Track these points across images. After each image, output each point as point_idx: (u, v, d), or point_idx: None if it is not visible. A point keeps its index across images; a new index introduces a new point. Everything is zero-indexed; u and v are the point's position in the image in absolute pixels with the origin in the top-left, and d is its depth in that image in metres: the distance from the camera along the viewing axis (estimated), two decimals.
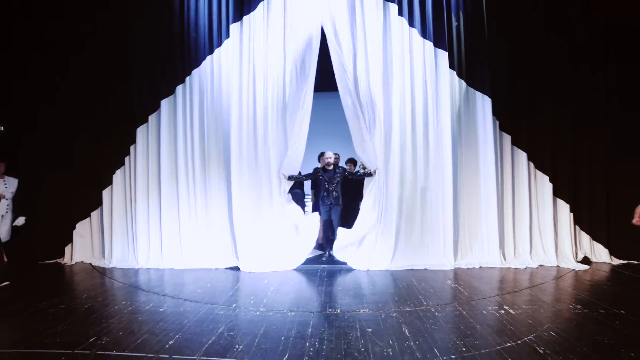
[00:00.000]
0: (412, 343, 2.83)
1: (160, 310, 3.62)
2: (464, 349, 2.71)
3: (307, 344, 2.83)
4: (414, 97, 5.32)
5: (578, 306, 3.57)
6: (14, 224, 4.82)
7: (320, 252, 5.85)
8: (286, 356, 2.64)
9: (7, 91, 5.54)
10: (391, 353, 2.68)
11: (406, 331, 3.05)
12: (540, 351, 2.66)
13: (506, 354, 2.62)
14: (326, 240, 5.76)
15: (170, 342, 2.88)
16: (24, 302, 3.78)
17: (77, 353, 2.71)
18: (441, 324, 3.19)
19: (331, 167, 5.58)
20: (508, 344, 2.79)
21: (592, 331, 3.00)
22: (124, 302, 3.86)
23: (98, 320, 3.34)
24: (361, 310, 3.53)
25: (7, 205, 4.72)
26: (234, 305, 3.73)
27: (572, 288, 4.20)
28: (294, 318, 3.35)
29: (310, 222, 5.38)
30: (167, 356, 2.66)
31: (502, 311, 3.48)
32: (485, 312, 3.45)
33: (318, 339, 2.90)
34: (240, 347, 2.80)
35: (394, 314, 3.44)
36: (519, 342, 2.82)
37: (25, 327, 3.19)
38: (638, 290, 4.09)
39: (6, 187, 4.75)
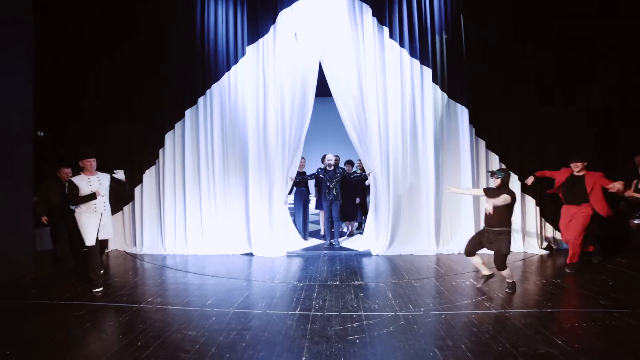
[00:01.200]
0: (392, 302, 3.79)
1: (195, 282, 4.58)
2: (431, 305, 3.67)
3: (314, 302, 3.79)
4: (404, 108, 6.25)
5: (528, 280, 4.53)
6: (114, 175, 4.56)
7: (322, 242, 6.81)
8: (298, 309, 3.60)
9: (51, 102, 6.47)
10: (376, 307, 3.64)
11: (389, 294, 4.02)
12: (487, 305, 3.62)
13: (463, 308, 3.58)
14: (328, 230, 6.72)
15: (209, 302, 3.85)
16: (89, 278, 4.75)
17: (142, 306, 3.68)
18: (417, 290, 4.15)
19: (332, 168, 6.55)
20: (465, 301, 3.75)
21: (529, 293, 3.96)
22: (163, 277, 4.83)
23: (149, 289, 4.31)
24: (355, 282, 4.50)
25: (104, 202, 4.44)
26: (253, 279, 4.69)
27: (529, 267, 5.15)
28: (302, 287, 4.31)
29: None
30: (210, 309, 3.63)
31: (468, 282, 4.44)
32: (454, 283, 4.42)
33: (322, 299, 3.87)
34: (263, 304, 3.76)
35: (381, 284, 4.41)
36: (474, 300, 3.78)
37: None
38: (581, 268, 5.02)
39: (100, 184, 4.39)
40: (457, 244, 6.18)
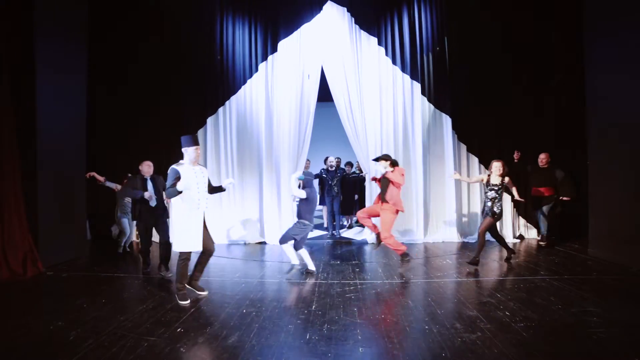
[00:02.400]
0: (382, 274, 4.90)
1: (222, 263, 5.68)
2: (411, 277, 4.77)
3: (319, 275, 4.89)
4: (396, 116, 7.34)
5: (494, 260, 5.62)
6: (224, 185, 4.31)
7: (325, 232, 7.91)
8: (307, 279, 4.70)
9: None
10: (368, 278, 4.75)
11: (379, 270, 5.12)
12: (460, 279, 4.72)
13: (435, 278, 4.68)
14: (330, 223, 7.82)
15: (238, 274, 4.95)
16: (136, 263, 5.84)
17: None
18: (416, 270, 5.24)
19: (333, 169, 7.65)
20: (438, 274, 4.85)
21: (491, 268, 5.05)
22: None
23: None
24: (352, 262, 5.60)
25: (207, 199, 4.02)
26: (267, 261, 5.80)
27: (499, 252, 6.23)
28: (302, 268, 5.40)
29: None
30: (239, 279, 4.73)
31: (444, 262, 5.53)
32: (432, 262, 5.51)
33: (326, 273, 4.97)
34: (279, 276, 4.87)
35: (374, 263, 5.52)
36: (445, 273, 4.88)
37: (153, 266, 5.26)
38: (540, 251, 6.08)
39: (203, 177, 4.02)
40: (441, 234, 7.27)
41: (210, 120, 7.51)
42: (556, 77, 7.05)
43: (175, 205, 3.97)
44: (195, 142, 3.96)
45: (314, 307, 3.73)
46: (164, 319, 3.45)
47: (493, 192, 5.13)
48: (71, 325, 3.29)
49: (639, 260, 4.74)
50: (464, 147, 7.38)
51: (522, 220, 7.42)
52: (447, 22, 7.34)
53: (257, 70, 7.47)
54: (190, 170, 3.90)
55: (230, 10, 7.52)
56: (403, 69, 7.38)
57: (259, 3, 7.51)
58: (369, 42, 7.39)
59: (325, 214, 8.25)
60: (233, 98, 7.48)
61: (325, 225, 8.28)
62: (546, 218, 6.56)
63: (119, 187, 6.20)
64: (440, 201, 7.38)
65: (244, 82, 7.49)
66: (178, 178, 3.79)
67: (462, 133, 7.32)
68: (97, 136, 7.24)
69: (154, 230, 5.25)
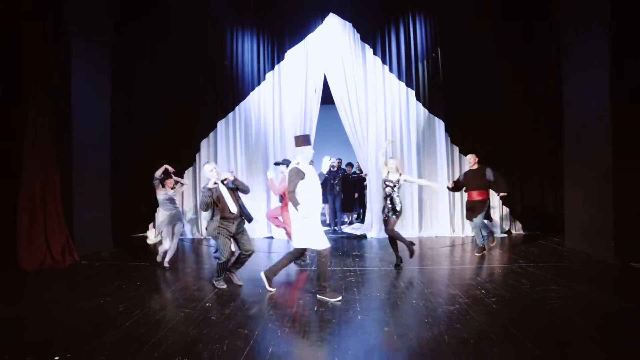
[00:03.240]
0: (378, 263, 5.58)
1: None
2: (407, 265, 5.44)
3: None
4: (393, 120, 8.01)
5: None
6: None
7: (328, 228, 8.59)
8: (313, 267, 5.38)
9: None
10: (367, 265, 5.42)
11: (377, 259, 5.81)
12: (447, 267, 5.39)
13: (425, 266, 5.35)
14: (332, 219, 8.50)
15: (251, 263, 5.62)
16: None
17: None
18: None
19: (335, 169, 8.32)
20: (428, 263, 5.52)
21: (476, 259, 5.73)
22: (212, 248, 6.61)
23: (208, 255, 6.09)
24: (352, 253, 6.28)
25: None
26: (274, 252, 6.47)
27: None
28: (314, 257, 6.07)
29: None
30: (252, 267, 5.40)
31: (435, 253, 6.21)
32: (423, 253, 6.19)
33: (329, 262, 5.63)
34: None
35: (372, 254, 6.20)
36: (434, 262, 5.55)
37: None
38: (524, 244, 6.73)
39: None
40: (434, 229, 7.95)
41: (220, 125, 8.18)
42: (537, 87, 7.69)
43: (298, 209, 3.88)
44: (310, 142, 4.09)
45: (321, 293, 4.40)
46: (193, 297, 4.12)
47: (389, 188, 5.19)
48: (117, 301, 3.96)
49: (602, 249, 5.39)
50: (456, 148, 8.03)
51: (510, 215, 8.09)
52: (439, 32, 8.01)
53: (264, 78, 8.14)
54: (310, 169, 4.00)
55: (240, 22, 8.19)
56: (399, 77, 8.05)
57: (266, 16, 8.18)
58: (369, 51, 8.07)
59: (327, 211, 8.92)
60: (242, 103, 8.15)
61: (327, 221, 8.95)
62: (481, 229, 5.98)
63: (186, 182, 6.49)
64: (434, 199, 8.04)
65: (252, 89, 8.16)
66: (302, 178, 3.87)
67: (454, 135, 7.98)
68: (118, 136, 7.88)
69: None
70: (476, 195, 6.00)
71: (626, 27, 5.13)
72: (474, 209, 5.99)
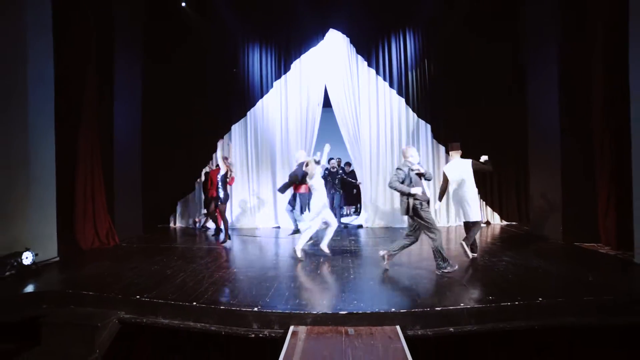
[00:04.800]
0: (370, 244, 6.77)
1: (251, 239, 7.55)
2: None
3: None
4: (385, 123, 9.19)
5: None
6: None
7: None
8: (317, 248, 6.58)
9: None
10: (360, 247, 6.61)
11: (369, 241, 7.00)
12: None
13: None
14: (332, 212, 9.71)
15: (259, 246, 6.83)
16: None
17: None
18: (387, 241, 7.09)
19: (335, 170, 9.51)
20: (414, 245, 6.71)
21: (452, 244, 6.91)
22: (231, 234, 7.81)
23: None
24: (349, 238, 7.47)
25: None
26: (283, 238, 7.66)
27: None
28: (317, 242, 7.27)
29: None
30: (261, 249, 6.60)
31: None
32: None
33: (329, 243, 6.84)
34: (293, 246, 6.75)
35: (368, 237, 7.39)
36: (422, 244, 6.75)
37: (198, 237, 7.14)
38: (497, 231, 7.89)
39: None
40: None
41: (234, 128, 9.40)
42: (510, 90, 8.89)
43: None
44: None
45: (321, 259, 5.60)
46: (221, 266, 5.32)
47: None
48: (164, 268, 5.16)
49: (555, 233, 6.57)
50: (442, 148, 9.21)
51: (488, 208, 9.27)
52: (427, 46, 9.20)
53: (272, 86, 9.35)
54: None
55: (251, 37, 9.42)
56: (391, 85, 9.24)
57: (274, 31, 9.39)
58: (365, 62, 9.26)
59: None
60: (252, 109, 9.36)
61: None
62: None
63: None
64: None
65: (262, 96, 9.37)
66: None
67: (440, 137, 9.16)
68: (146, 140, 9.09)
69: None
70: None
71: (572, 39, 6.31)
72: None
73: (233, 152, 9.28)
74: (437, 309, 3.49)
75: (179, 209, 9.65)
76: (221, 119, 9.37)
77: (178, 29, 9.19)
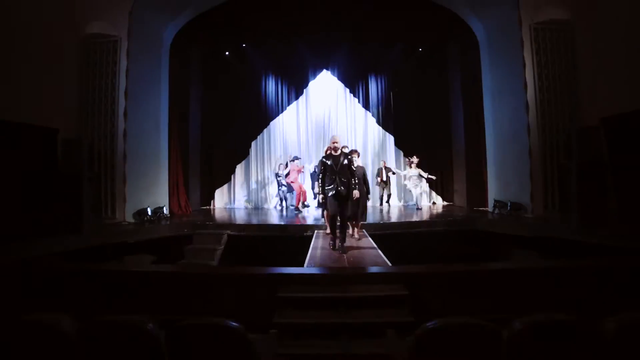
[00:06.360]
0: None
1: (265, 211, 11.61)
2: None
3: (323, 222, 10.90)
4: (365, 137, 13.40)
5: (414, 215, 11.67)
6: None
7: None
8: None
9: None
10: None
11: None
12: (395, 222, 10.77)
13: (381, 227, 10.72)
14: None
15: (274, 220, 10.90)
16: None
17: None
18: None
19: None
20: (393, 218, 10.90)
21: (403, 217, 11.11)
22: (249, 208, 11.85)
23: (243, 212, 11.35)
24: None
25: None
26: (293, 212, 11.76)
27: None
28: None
29: None
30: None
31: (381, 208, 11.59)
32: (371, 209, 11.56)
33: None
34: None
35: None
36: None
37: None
38: (434, 207, 12.08)
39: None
40: (391, 204, 13.36)
41: (254, 144, 13.49)
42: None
43: None
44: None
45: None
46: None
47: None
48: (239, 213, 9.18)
49: (463, 202, 10.86)
50: (401, 152, 13.45)
51: (434, 193, 13.54)
52: (391, 81, 13.49)
53: (285, 109, 13.49)
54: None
55: (269, 72, 13.55)
56: (366, 108, 13.49)
57: (285, 70, 13.53)
58: (349, 94, 13.51)
59: None
60: (266, 129, 13.47)
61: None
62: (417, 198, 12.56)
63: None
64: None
65: (276, 116, 13.49)
66: None
67: (400, 144, 13.40)
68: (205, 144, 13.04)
69: None
70: None
71: None
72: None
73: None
74: None
75: (216, 195, 13.64)
76: (241, 138, 13.44)
77: (222, 68, 13.30)
